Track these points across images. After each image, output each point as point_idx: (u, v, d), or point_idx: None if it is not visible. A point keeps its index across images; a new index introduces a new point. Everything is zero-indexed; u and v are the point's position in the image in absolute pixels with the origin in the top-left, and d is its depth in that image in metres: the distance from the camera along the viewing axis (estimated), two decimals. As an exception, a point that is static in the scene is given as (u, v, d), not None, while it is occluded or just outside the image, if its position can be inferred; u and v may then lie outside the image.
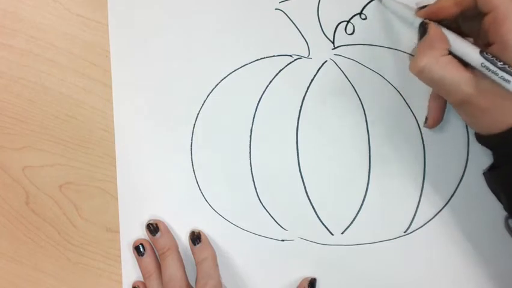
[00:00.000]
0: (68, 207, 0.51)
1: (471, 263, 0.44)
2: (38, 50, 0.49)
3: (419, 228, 0.45)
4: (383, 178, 0.45)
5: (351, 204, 0.46)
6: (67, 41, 0.49)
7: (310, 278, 0.47)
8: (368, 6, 0.44)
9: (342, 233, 0.46)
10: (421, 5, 0.41)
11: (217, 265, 0.47)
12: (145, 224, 0.48)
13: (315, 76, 0.45)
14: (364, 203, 0.45)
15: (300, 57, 0.45)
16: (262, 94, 0.46)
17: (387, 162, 0.45)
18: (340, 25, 0.44)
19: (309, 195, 0.46)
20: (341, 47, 0.45)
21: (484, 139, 0.39)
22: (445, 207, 0.44)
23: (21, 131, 0.50)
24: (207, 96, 0.47)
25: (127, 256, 0.50)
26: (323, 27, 0.45)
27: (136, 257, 0.49)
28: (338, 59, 0.45)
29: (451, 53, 0.38)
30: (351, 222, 0.46)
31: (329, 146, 0.45)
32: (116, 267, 0.50)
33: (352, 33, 0.44)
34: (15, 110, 0.50)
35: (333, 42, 0.45)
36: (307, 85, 0.45)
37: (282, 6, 0.45)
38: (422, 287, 0.46)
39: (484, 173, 0.40)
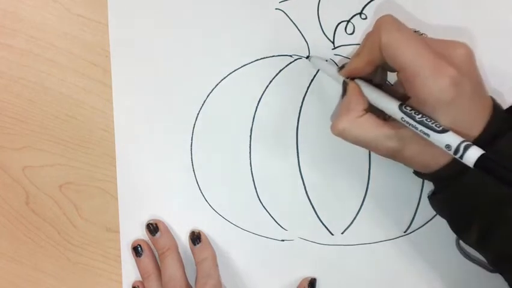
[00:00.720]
0: (68, 207, 0.51)
1: (471, 262, 0.44)
2: (38, 50, 0.49)
3: (419, 228, 0.45)
4: (383, 178, 0.45)
5: (351, 204, 0.46)
6: (67, 41, 0.49)
7: (310, 278, 0.47)
8: (368, 5, 0.43)
9: (342, 233, 0.46)
10: (342, 63, 0.42)
11: (217, 265, 0.47)
12: (145, 224, 0.48)
13: (315, 76, 0.45)
14: (364, 203, 0.45)
15: (300, 57, 0.45)
16: (262, 94, 0.46)
17: (387, 162, 0.45)
18: (340, 25, 0.44)
19: (309, 195, 0.46)
20: (341, 47, 0.45)
21: (418, 174, 0.40)
22: (445, 207, 0.44)
23: (21, 131, 0.50)
24: (207, 96, 0.47)
25: (127, 256, 0.50)
26: (323, 27, 0.45)
27: (134, 258, 0.49)
28: (338, 59, 0.45)
29: (373, 108, 0.38)
30: (351, 222, 0.46)
31: (329, 146, 0.45)
32: (116, 267, 0.50)
33: (352, 33, 0.44)
34: (15, 110, 0.50)
35: (333, 42, 0.45)
36: (308, 85, 0.45)
37: (282, 6, 0.45)
38: (422, 287, 0.46)
39: (428, 197, 0.40)
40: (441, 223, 0.44)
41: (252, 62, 0.46)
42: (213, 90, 0.47)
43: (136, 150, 0.49)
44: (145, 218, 0.49)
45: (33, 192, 0.51)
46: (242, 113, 0.46)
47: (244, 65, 0.46)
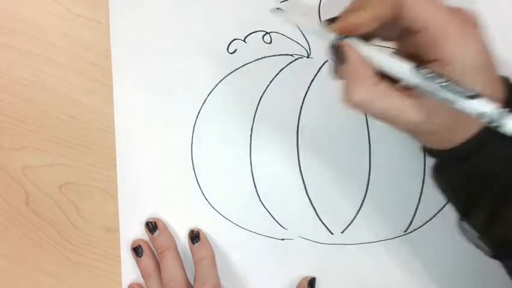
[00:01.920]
0: (68, 207, 0.51)
1: (471, 262, 0.44)
2: (38, 50, 0.49)
3: (419, 227, 0.45)
4: (383, 177, 0.45)
5: (351, 204, 0.46)
6: (67, 41, 0.49)
7: (310, 277, 0.47)
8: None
9: (342, 232, 0.46)
10: (328, 17, 0.34)
11: (215, 264, 0.47)
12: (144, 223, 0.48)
13: (315, 76, 0.45)
14: (364, 202, 0.46)
15: (301, 57, 0.45)
16: (263, 94, 0.46)
17: (387, 162, 0.45)
18: (340, 25, 0.44)
19: (309, 194, 0.46)
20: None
21: (429, 151, 0.37)
22: (445, 207, 0.44)
23: (21, 131, 0.50)
24: (207, 96, 0.47)
25: (127, 256, 0.49)
26: (323, 27, 0.45)
27: (134, 258, 0.49)
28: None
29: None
30: (351, 222, 0.46)
31: (329, 146, 0.45)
32: (116, 267, 0.50)
33: (352, 33, 0.44)
34: (15, 110, 0.50)
35: (333, 42, 0.45)
36: (308, 85, 0.45)
37: (283, 5, 0.45)
38: (422, 287, 0.46)
39: (434, 173, 0.37)
40: (441, 223, 0.44)
41: (252, 61, 0.46)
42: (213, 89, 0.47)
43: (136, 150, 0.49)
44: (145, 218, 0.49)
45: (33, 192, 0.51)
46: (243, 112, 0.46)
47: (244, 65, 0.46)
